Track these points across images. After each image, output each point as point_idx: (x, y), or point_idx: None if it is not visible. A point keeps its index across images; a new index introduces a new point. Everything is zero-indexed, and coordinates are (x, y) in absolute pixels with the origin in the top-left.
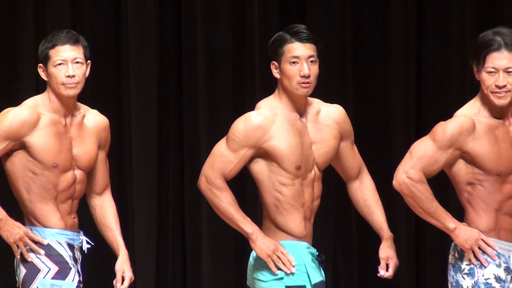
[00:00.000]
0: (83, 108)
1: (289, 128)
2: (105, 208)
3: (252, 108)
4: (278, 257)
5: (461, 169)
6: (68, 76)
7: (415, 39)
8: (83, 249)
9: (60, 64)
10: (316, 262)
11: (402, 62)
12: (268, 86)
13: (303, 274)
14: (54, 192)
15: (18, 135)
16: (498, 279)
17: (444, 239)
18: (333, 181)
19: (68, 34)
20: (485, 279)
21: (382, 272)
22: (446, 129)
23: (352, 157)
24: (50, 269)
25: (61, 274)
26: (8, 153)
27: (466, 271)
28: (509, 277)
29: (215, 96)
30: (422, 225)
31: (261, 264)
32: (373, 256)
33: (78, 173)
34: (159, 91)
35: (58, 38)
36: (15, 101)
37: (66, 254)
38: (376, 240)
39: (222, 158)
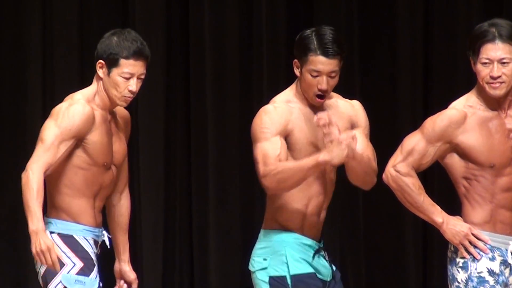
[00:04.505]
0: None
1: (304, 120)
2: (124, 208)
3: (258, 100)
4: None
5: (456, 163)
6: (131, 91)
7: (422, 31)
8: (106, 244)
9: (128, 77)
10: (310, 255)
11: (409, 54)
12: (275, 78)
13: (284, 264)
14: (97, 188)
15: (81, 132)
16: (491, 272)
17: None
18: (340, 176)
19: (141, 46)
20: (478, 273)
21: None
22: (435, 122)
23: (363, 147)
24: (75, 264)
25: (85, 270)
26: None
27: (460, 264)
28: (507, 270)
29: (222, 89)
30: None
31: (255, 253)
32: (380, 250)
33: (114, 169)
34: (167, 83)
35: (134, 50)
36: (23, 92)
37: (92, 250)
38: (383, 234)
39: (268, 151)
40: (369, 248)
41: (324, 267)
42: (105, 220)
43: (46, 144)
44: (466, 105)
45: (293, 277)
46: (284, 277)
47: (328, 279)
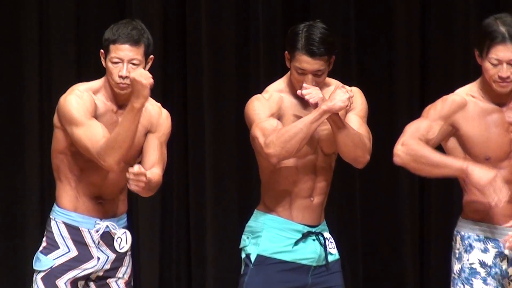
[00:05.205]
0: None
1: (294, 110)
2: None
3: (255, 95)
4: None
5: (456, 151)
6: (121, 77)
7: (419, 23)
8: (98, 233)
9: (116, 62)
10: (294, 240)
11: (406, 46)
12: (272, 73)
13: (257, 244)
14: (77, 172)
15: (93, 112)
16: (483, 264)
17: (448, 224)
18: (337, 168)
19: (131, 31)
20: (470, 264)
21: None
22: (436, 105)
23: (357, 127)
24: (41, 242)
25: (46, 250)
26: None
27: (456, 255)
28: (504, 262)
29: (219, 84)
30: (427, 211)
31: (244, 231)
32: (377, 242)
33: None
34: (163, 78)
35: (121, 34)
36: (20, 86)
37: (58, 233)
38: (380, 226)
39: (265, 125)
40: (366, 240)
41: (312, 252)
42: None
43: (87, 141)
44: (468, 93)
45: (258, 256)
46: (249, 255)
47: (315, 264)
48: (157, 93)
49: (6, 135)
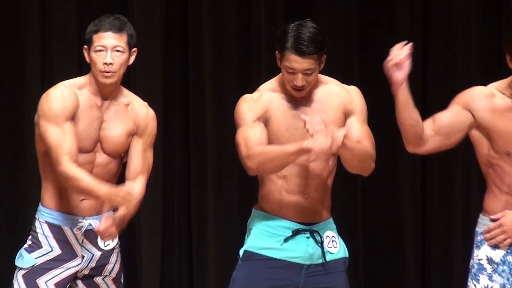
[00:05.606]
0: (132, 97)
1: (283, 110)
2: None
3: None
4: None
5: (481, 145)
6: (105, 64)
7: (421, 20)
8: (81, 231)
9: (100, 50)
10: (283, 237)
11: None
12: (273, 70)
13: (246, 240)
14: None
15: (71, 114)
16: (490, 261)
17: (450, 222)
18: (338, 166)
19: (113, 21)
20: (478, 260)
21: None
22: (459, 94)
23: (359, 135)
24: (27, 241)
25: (30, 248)
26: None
27: (472, 251)
28: None
29: (221, 80)
30: (428, 209)
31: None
32: (379, 240)
33: (102, 157)
34: (165, 74)
35: (103, 24)
36: (21, 81)
37: (41, 233)
38: (381, 222)
39: (248, 135)
40: (368, 238)
41: (303, 251)
42: None
43: (53, 142)
44: (497, 88)
45: (245, 252)
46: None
47: (308, 263)
48: (159, 94)
49: (7, 132)
